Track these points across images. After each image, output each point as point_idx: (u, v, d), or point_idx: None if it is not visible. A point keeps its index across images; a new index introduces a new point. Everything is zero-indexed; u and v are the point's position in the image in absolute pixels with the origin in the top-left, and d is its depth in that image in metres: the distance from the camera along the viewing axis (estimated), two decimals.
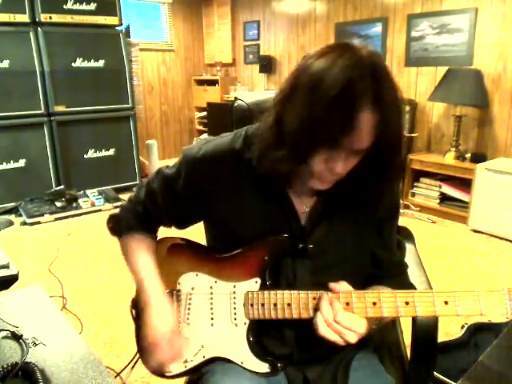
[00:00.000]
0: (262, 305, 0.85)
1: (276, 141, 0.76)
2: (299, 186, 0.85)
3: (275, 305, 0.84)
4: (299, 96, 0.72)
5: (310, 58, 0.73)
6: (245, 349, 0.88)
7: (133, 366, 1.12)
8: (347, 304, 0.78)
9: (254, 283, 0.88)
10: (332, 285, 0.80)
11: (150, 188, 0.96)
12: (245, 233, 0.88)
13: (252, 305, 0.87)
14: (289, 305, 0.83)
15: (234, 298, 0.89)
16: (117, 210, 1.03)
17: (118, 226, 1.00)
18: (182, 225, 1.00)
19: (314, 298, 0.81)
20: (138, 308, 0.93)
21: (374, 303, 0.77)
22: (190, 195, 0.91)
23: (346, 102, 0.67)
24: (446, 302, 0.73)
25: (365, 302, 0.78)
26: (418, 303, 0.75)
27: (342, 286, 0.80)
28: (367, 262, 0.92)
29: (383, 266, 0.93)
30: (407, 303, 0.76)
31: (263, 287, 0.87)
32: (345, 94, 0.67)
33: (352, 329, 0.76)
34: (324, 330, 0.77)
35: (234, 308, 0.89)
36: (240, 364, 0.88)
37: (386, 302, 0.77)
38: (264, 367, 0.87)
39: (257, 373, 0.87)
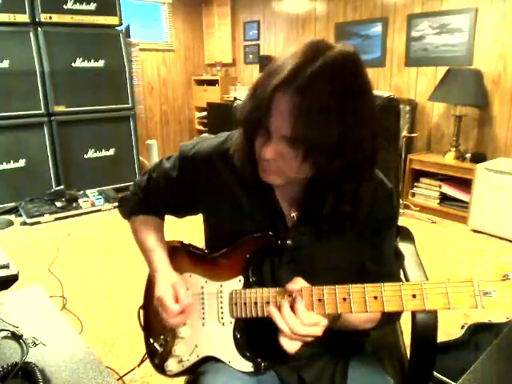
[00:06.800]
0: (245, 303, 0.85)
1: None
2: (288, 188, 0.84)
3: (256, 303, 0.83)
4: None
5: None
6: (231, 348, 0.88)
7: (134, 368, 1.13)
8: (319, 301, 0.75)
9: (237, 282, 0.88)
10: (289, 286, 0.77)
11: (150, 177, 1.00)
12: (232, 232, 0.89)
13: (236, 304, 0.86)
14: (267, 303, 0.81)
15: (221, 297, 0.89)
16: (127, 193, 1.08)
17: (126, 209, 1.06)
18: (177, 215, 1.03)
19: (290, 296, 0.78)
20: (150, 279, 1.00)
21: (344, 299, 0.74)
22: (182, 190, 0.93)
23: (271, 81, 0.68)
24: (413, 296, 0.71)
25: (335, 297, 0.75)
26: (385, 297, 0.72)
27: (298, 283, 0.78)
28: (356, 273, 0.89)
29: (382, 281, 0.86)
30: (376, 298, 0.73)
31: (247, 286, 0.87)
32: (272, 73, 0.69)
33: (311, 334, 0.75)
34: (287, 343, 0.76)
35: (221, 307, 0.89)
36: (228, 363, 0.88)
37: (355, 296, 0.74)
38: (248, 366, 0.87)
39: (243, 372, 0.87)
